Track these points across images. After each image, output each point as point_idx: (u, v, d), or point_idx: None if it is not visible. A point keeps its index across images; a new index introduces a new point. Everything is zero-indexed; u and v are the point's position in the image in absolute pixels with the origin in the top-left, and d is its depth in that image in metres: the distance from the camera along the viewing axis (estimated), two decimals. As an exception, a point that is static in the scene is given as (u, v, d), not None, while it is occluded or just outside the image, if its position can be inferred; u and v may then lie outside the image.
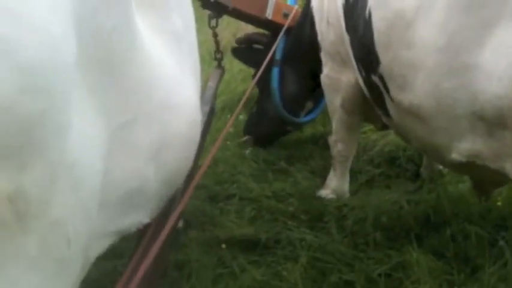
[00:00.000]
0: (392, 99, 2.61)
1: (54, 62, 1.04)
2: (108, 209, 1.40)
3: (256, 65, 3.53)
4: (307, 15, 3.99)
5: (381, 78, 2.63)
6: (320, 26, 3.57)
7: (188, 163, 2.02)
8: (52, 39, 1.04)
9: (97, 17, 1.27)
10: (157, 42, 1.74)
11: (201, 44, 5.46)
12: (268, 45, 3.96)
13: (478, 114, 2.11)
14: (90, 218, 1.24)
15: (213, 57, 4.03)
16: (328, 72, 3.61)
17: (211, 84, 3.73)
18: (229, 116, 4.54)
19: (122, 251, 2.67)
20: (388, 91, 2.61)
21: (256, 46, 4.54)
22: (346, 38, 3.04)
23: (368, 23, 2.60)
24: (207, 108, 3.30)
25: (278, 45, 4.19)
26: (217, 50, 4.11)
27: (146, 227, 1.97)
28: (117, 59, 1.38)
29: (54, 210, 1.09)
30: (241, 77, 5.56)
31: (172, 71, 1.81)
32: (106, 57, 1.32)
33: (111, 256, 2.76)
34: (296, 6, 4.40)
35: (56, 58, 1.05)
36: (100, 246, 1.49)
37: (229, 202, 3.65)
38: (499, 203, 3.34)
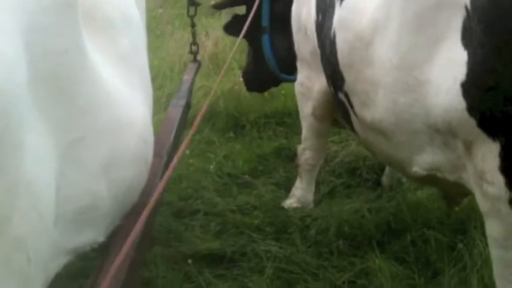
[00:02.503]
0: (356, 115, 2.70)
1: (8, 83, 1.07)
2: (63, 225, 1.42)
3: (248, 34, 3.52)
4: None
5: (346, 95, 2.73)
6: (297, 36, 3.63)
7: (141, 179, 2.05)
8: (4, 62, 1.06)
9: (47, 40, 1.30)
10: (106, 63, 1.78)
11: (162, 58, 5.39)
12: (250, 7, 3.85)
13: (434, 128, 2.20)
14: (49, 234, 1.25)
15: (174, 72, 3.99)
16: (302, 80, 3.68)
17: (187, 77, 3.63)
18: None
19: (88, 271, 2.65)
20: (352, 107, 2.71)
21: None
22: (319, 52, 3.13)
23: (333, 43, 2.71)
24: (183, 102, 3.23)
25: (264, 12, 4.16)
26: (194, 42, 4.00)
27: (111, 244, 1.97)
28: (67, 80, 1.42)
29: (14, 227, 1.10)
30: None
31: (121, 90, 1.85)
32: (56, 78, 1.36)
33: (76, 275, 2.74)
34: None
35: (9, 79, 1.07)
36: (57, 265, 1.50)
37: (194, 217, 3.65)
38: (457, 208, 3.43)
